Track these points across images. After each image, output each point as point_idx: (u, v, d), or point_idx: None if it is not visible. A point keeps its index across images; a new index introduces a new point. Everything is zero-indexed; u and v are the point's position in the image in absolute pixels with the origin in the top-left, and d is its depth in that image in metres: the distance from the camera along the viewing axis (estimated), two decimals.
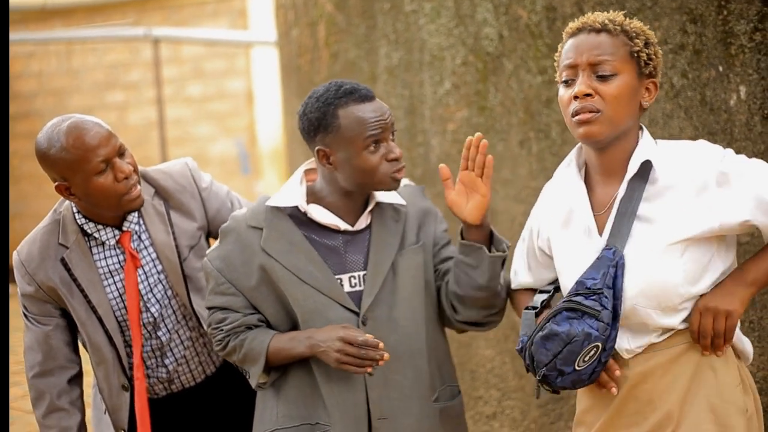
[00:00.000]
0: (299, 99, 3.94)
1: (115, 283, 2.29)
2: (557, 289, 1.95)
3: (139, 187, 2.21)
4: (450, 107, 3.14)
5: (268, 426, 2.04)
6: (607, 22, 1.73)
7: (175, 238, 2.32)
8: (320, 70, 3.77)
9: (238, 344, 2.04)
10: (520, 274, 2.04)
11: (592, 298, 1.69)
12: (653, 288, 1.69)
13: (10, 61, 10.36)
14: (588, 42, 1.73)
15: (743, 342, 1.80)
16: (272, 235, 2.01)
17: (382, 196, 2.06)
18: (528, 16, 2.82)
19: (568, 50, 1.76)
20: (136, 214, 2.28)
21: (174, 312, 2.35)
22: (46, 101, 10.61)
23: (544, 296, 1.92)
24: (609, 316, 1.68)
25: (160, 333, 2.34)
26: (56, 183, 2.17)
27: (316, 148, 1.98)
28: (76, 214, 2.26)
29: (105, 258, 2.28)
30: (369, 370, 1.90)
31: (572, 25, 1.78)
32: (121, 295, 2.29)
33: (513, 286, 2.07)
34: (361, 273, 2.02)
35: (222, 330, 2.05)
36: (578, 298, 1.70)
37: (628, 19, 1.76)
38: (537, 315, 1.85)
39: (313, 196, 2.05)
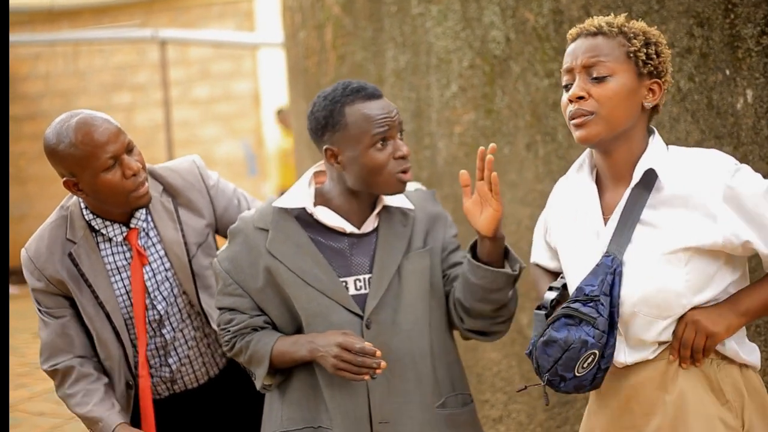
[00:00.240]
0: (306, 101, 3.95)
1: (122, 279, 2.29)
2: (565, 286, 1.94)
3: (147, 184, 2.21)
4: (457, 110, 3.15)
5: (273, 428, 2.05)
6: (603, 24, 1.74)
7: (183, 235, 2.32)
8: (327, 73, 3.78)
9: (244, 346, 2.04)
10: (537, 251, 2.06)
11: (589, 305, 1.68)
12: (654, 295, 1.68)
13: (17, 62, 10.40)
14: (584, 45, 1.73)
15: (748, 353, 1.77)
16: (278, 237, 2.01)
17: (390, 199, 2.05)
18: (535, 19, 2.82)
19: (566, 55, 1.77)
20: (144, 211, 2.29)
21: (180, 310, 2.35)
22: (53, 103, 10.65)
23: (554, 294, 1.90)
24: (605, 323, 1.67)
25: (164, 331, 2.34)
26: (64, 179, 2.17)
27: (324, 147, 1.98)
28: (84, 210, 2.27)
29: (112, 254, 2.28)
30: (366, 377, 1.88)
31: (572, 30, 1.79)
32: (128, 292, 2.29)
33: (531, 260, 2.09)
34: (367, 276, 2.01)
35: (229, 331, 2.06)
36: (576, 305, 1.69)
37: (632, 21, 1.76)
38: (547, 316, 1.85)
39: (321, 198, 2.05)
